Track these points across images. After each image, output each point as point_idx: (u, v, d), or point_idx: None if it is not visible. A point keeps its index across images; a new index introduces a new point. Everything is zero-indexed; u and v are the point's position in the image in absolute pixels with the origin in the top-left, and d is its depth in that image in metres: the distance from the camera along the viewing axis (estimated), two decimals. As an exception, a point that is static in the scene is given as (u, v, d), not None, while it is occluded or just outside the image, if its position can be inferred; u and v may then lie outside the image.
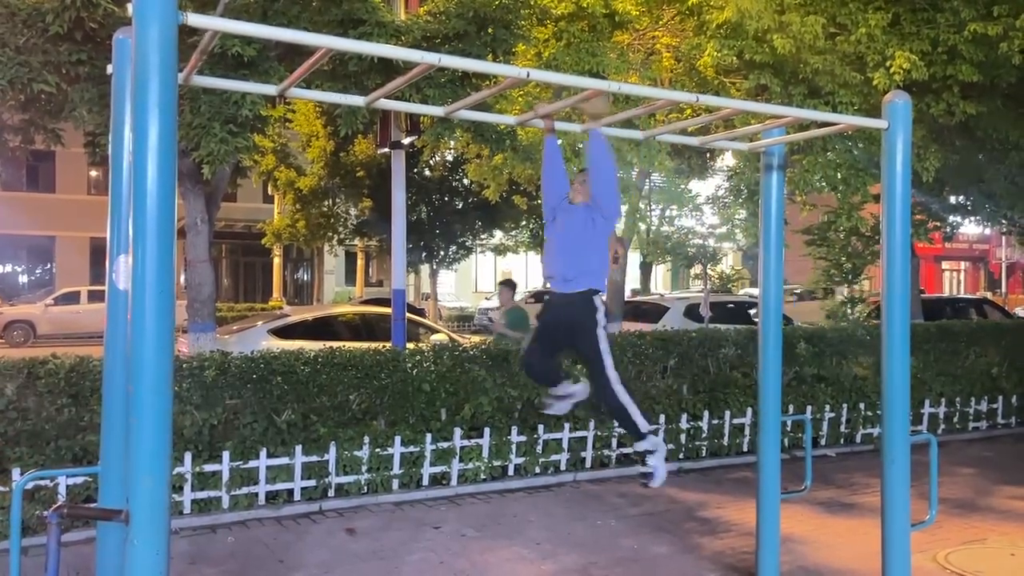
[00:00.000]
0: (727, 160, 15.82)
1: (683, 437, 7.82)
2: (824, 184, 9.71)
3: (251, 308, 25.62)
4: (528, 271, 37.16)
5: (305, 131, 22.99)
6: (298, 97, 3.31)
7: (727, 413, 8.07)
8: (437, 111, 3.61)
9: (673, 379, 8.34)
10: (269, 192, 28.16)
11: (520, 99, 10.29)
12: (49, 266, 29.69)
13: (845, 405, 8.78)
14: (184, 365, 6.54)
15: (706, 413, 7.96)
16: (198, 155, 6.56)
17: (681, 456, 7.79)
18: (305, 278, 36.59)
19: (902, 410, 3.88)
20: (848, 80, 8.98)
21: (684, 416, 7.84)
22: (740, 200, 10.57)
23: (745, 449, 8.12)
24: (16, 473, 5.23)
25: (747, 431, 8.17)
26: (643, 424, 3.99)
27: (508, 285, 9.29)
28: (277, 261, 32.18)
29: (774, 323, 4.60)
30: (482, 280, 39.72)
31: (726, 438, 8.07)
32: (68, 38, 6.52)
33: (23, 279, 30.34)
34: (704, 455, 7.96)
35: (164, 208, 2.40)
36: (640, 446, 4.06)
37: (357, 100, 3.44)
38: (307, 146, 23.40)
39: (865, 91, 8.97)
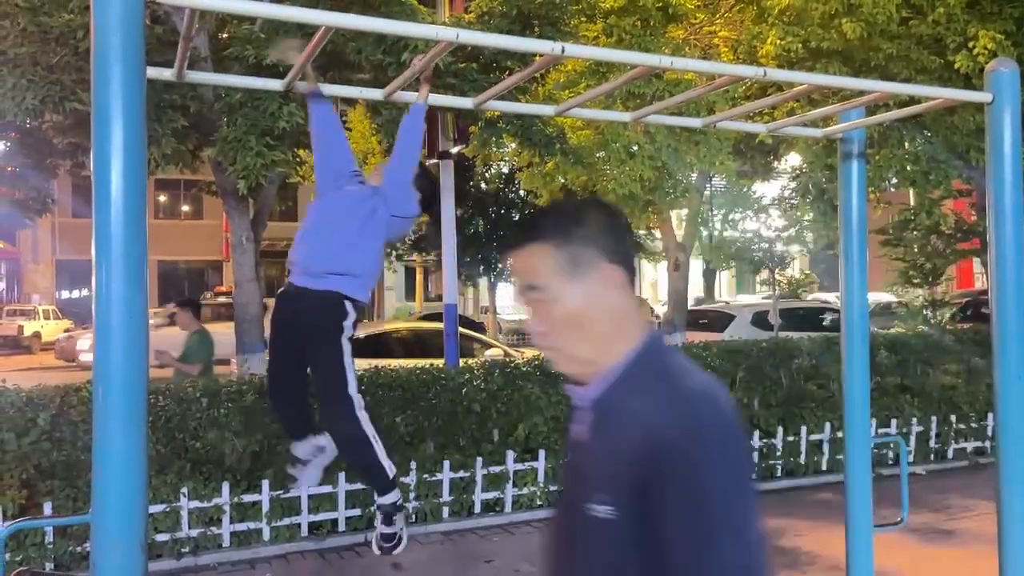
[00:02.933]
0: (791, 160, 15.10)
1: (755, 456, 7.23)
2: (901, 180, 9.00)
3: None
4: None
5: (361, 148, 23.01)
6: (306, 91, 2.95)
7: (803, 429, 7.44)
8: (466, 103, 3.20)
9: (742, 393, 7.75)
10: (327, 210, 28.30)
11: (566, 96, 9.84)
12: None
13: (934, 418, 8.04)
14: (223, 390, 6.29)
15: (780, 429, 7.35)
16: (234, 169, 6.32)
17: (753, 478, 7.18)
18: (366, 295, 36.72)
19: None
20: (926, 65, 8.30)
21: (756, 433, 7.25)
22: (808, 200, 9.93)
23: (824, 468, 7.48)
24: (48, 508, 5.00)
25: (826, 448, 7.52)
26: (389, 467, 3.04)
27: (187, 305, 7.21)
28: (337, 279, 32.36)
29: (859, 331, 4.03)
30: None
31: (803, 456, 7.44)
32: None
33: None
34: (779, 475, 7.34)
35: (132, 225, 2.04)
36: (386, 499, 3.08)
37: (375, 94, 3.05)
38: (364, 163, 23.41)
39: (945, 76, 8.26)
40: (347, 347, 2.98)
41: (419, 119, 3.03)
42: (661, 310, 31.60)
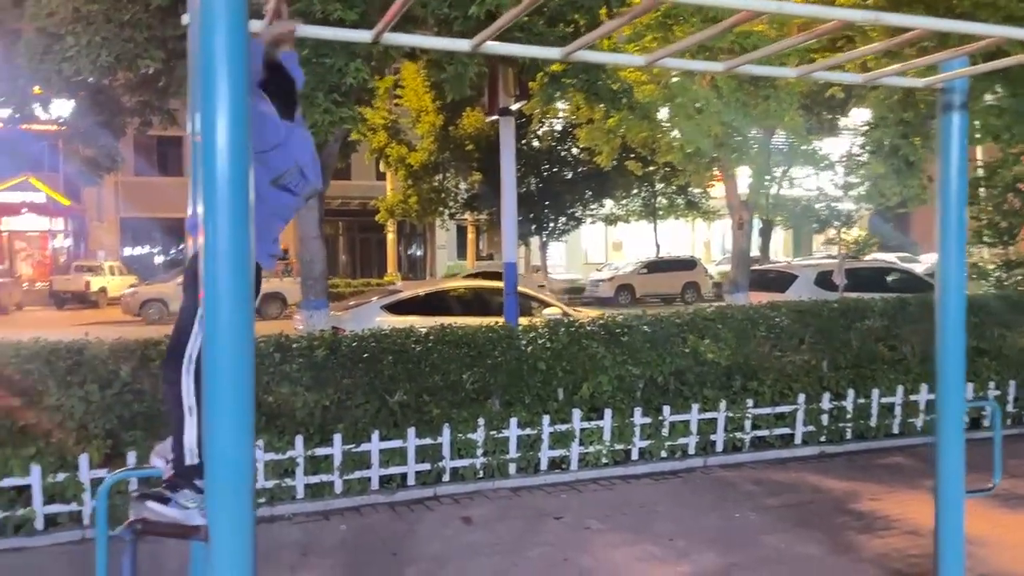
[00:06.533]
0: (855, 116, 14.56)
1: (825, 418, 7.09)
2: (984, 134, 8.61)
3: (367, 283, 26.02)
4: (640, 240, 36.22)
5: (415, 106, 22.96)
6: (396, 43, 2.90)
7: (874, 392, 7.26)
8: (553, 53, 3.11)
9: (810, 354, 7.59)
10: (381, 169, 28.45)
11: (631, 49, 9.57)
12: (181, 246, 31.11)
13: (1013, 382, 7.78)
14: (295, 345, 6.37)
15: (851, 391, 7.19)
16: (302, 127, 6.31)
17: (823, 439, 7.07)
18: (418, 253, 37.00)
19: None
20: (1013, 12, 7.86)
21: (826, 395, 7.10)
22: (882, 155, 9.57)
23: (896, 431, 7.31)
24: (131, 457, 5.15)
25: (897, 411, 7.34)
26: (191, 454, 2.43)
27: None
28: (391, 237, 32.60)
29: (956, 291, 3.88)
30: (592, 251, 39.06)
31: (873, 419, 7.27)
32: (172, 12, 6.38)
33: (157, 259, 32.00)
34: (848, 438, 7.20)
35: (238, 181, 2.03)
36: (174, 489, 2.42)
37: (462, 44, 2.98)
38: (417, 121, 23.37)
39: (1034, 24, 7.82)
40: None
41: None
42: (714, 270, 31.19)
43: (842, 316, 7.78)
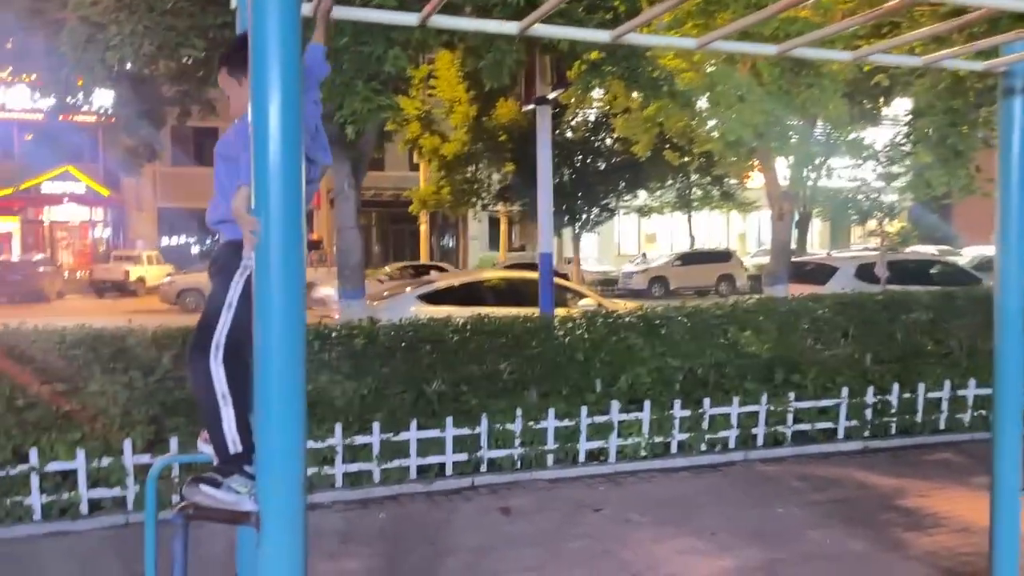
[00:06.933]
0: (897, 106, 14.23)
1: (869, 412, 6.94)
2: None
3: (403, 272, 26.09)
4: (674, 232, 35.93)
5: (448, 97, 22.91)
6: (442, 26, 2.84)
7: (920, 386, 7.10)
8: (601, 36, 3.04)
9: (854, 347, 7.43)
10: (414, 160, 28.49)
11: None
12: (216, 237, 31.52)
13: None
14: (333, 334, 6.39)
15: (895, 386, 7.03)
16: (341, 115, 6.31)
17: (867, 434, 6.93)
18: (450, 244, 37.08)
19: None
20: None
21: (870, 389, 6.95)
22: (929, 145, 9.32)
23: (942, 427, 7.14)
24: (173, 443, 5.20)
25: (944, 406, 7.17)
26: (234, 443, 2.36)
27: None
28: (424, 228, 32.68)
29: (1015, 284, 3.75)
30: (625, 243, 38.83)
31: (919, 414, 7.11)
32: (213, 0, 6.41)
33: (194, 249, 32.45)
34: (893, 433, 7.04)
35: (290, 169, 2.00)
36: (222, 476, 2.31)
37: (510, 27, 2.92)
38: (450, 112, 23.34)
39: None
40: (235, 291, 2.44)
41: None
42: (750, 262, 30.82)
43: (887, 309, 7.63)
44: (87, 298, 26.00)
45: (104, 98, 9.03)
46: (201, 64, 7.26)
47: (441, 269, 24.22)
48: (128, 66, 6.86)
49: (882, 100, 12.43)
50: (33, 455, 4.97)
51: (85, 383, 5.39)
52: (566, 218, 25.55)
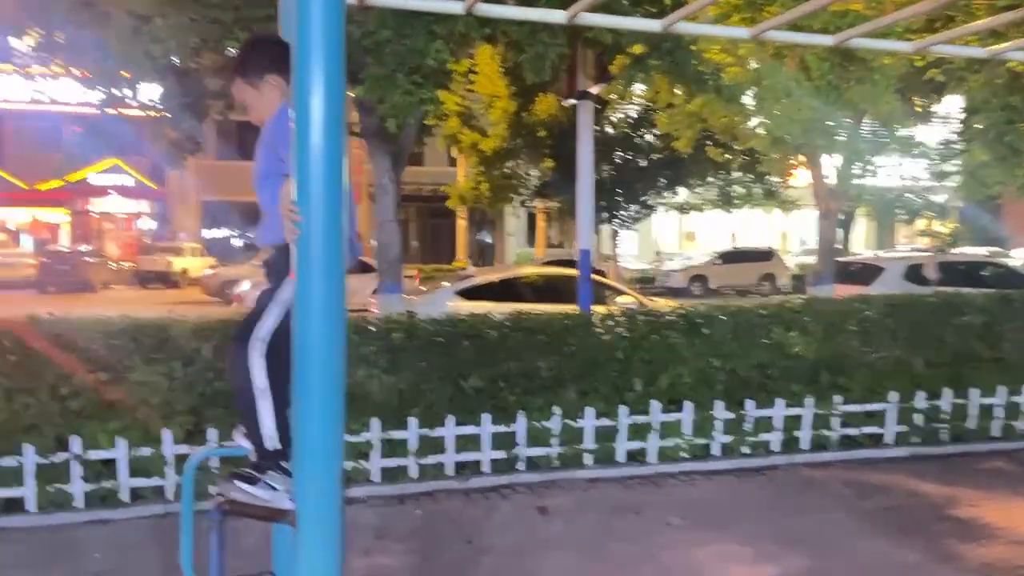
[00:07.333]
0: (947, 103, 13.81)
1: (918, 418, 6.73)
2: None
3: (437, 269, 26.17)
4: (714, 230, 35.50)
5: (488, 92, 22.86)
6: (488, 14, 2.77)
7: (973, 392, 6.85)
8: (652, 24, 2.94)
9: (904, 350, 7.20)
10: (453, 155, 28.53)
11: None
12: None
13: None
14: (372, 327, 6.36)
15: (947, 391, 6.80)
16: (383, 108, 6.27)
17: (916, 440, 6.71)
18: (487, 240, 37.06)
19: None
20: None
21: (921, 394, 6.73)
22: (985, 143, 9.00)
23: (996, 434, 6.89)
24: (212, 434, 5.21)
25: (998, 413, 6.91)
26: (271, 439, 2.33)
27: None
28: (461, 223, 32.70)
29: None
30: (664, 240, 38.44)
31: (971, 420, 6.86)
32: (258, -7, 6.40)
33: (235, 242, 32.87)
34: (944, 440, 6.81)
35: (332, 160, 1.94)
36: (259, 472, 2.30)
37: (557, 15, 2.84)
38: (489, 107, 23.29)
39: None
40: (285, 291, 2.34)
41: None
42: (792, 261, 30.28)
43: (938, 311, 7.37)
44: (131, 289, 26.51)
45: (150, 91, 9.14)
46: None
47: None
48: (173, 59, 6.89)
49: (934, 97, 12.05)
50: (75, 443, 5.02)
51: (127, 372, 5.42)
52: (604, 215, 25.36)
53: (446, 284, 11.25)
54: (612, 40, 6.67)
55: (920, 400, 6.71)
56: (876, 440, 6.66)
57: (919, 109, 13.25)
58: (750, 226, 36.59)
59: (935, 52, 3.47)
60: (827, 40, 3.23)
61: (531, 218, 33.68)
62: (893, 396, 6.62)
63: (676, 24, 2.94)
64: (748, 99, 9.72)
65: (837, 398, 6.52)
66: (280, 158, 2.26)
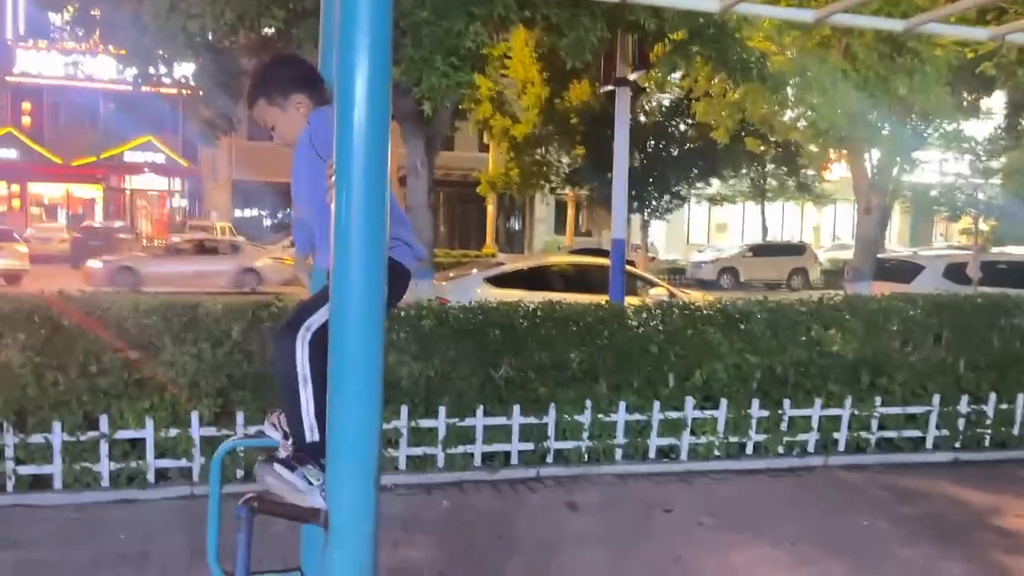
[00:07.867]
0: (996, 98, 13.39)
1: (961, 422, 6.51)
2: None
3: (465, 255, 26.09)
4: (746, 222, 35.06)
5: (521, 78, 22.66)
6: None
7: (1020, 396, 6.63)
8: (711, 5, 2.78)
9: (946, 352, 6.97)
10: (484, 141, 28.36)
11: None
12: (288, 211, 32.03)
13: None
14: (402, 313, 6.27)
15: (992, 395, 6.58)
16: (419, 90, 6.15)
17: (958, 445, 6.50)
18: (516, 226, 36.91)
19: None
20: None
21: (964, 398, 6.51)
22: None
23: (1042, 442, 6.66)
24: (240, 417, 5.16)
25: (1045, 420, 6.68)
26: (311, 429, 2.27)
27: None
28: (491, 209, 32.56)
29: None
30: (695, 231, 38.05)
31: (1017, 427, 6.64)
32: (294, -29, 6.31)
33: (266, 222, 33.05)
34: (987, 445, 6.60)
35: (376, 143, 1.82)
36: (301, 462, 2.19)
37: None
38: (522, 93, 23.08)
39: None
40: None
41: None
42: (824, 256, 29.80)
43: (984, 312, 7.12)
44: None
45: (185, 69, 9.09)
46: (280, 37, 7.19)
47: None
48: (208, 36, 6.82)
49: (985, 91, 11.66)
50: (103, 422, 4.99)
51: (156, 352, 5.38)
52: (635, 204, 25.07)
53: (475, 271, 11.14)
54: (655, 25, 6.46)
55: (964, 404, 6.50)
56: (917, 444, 6.46)
57: (968, 104, 12.86)
58: (782, 219, 36.09)
59: (1012, 41, 3.27)
60: (897, 25, 3.04)
61: (560, 205, 33.46)
62: (936, 399, 6.42)
63: (737, 5, 2.78)
64: (791, 89, 9.46)
65: (877, 400, 6.33)
66: (326, 162, 2.10)
